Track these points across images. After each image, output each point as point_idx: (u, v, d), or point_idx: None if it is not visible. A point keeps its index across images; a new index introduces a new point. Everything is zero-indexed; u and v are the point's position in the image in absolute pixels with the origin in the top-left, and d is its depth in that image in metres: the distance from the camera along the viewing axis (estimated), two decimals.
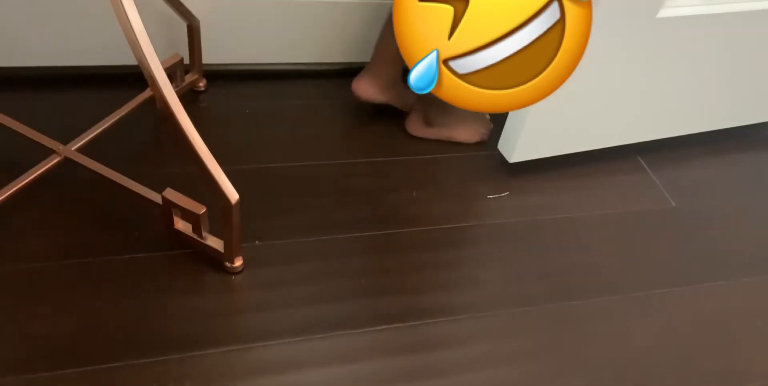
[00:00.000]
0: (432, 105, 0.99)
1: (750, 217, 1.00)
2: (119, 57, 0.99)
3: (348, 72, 1.13)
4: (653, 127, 1.02)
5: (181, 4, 0.91)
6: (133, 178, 0.80)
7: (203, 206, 0.73)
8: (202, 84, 1.04)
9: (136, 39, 0.62)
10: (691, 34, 0.87)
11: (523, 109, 0.87)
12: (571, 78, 0.82)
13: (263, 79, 1.09)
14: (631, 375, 0.75)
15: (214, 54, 1.05)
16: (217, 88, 1.05)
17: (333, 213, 0.88)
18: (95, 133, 0.85)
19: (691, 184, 1.03)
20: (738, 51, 0.94)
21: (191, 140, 0.67)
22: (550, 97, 0.83)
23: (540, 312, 0.80)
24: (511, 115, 0.92)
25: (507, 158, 0.96)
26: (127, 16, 0.61)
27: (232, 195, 0.70)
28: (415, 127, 1.03)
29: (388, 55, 0.96)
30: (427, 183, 0.96)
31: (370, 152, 0.99)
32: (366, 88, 1.00)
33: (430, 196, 0.93)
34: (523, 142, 0.92)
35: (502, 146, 0.97)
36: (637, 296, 0.84)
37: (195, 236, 0.76)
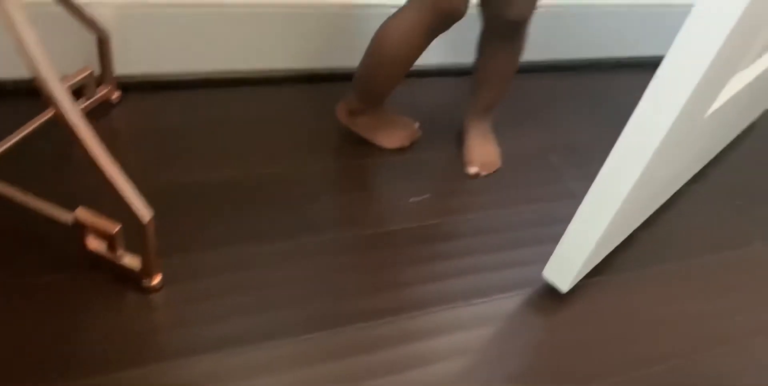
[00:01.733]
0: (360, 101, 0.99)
1: (672, 209, 1.05)
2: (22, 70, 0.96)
3: (265, 81, 1.13)
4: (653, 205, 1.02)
5: (89, 17, 0.89)
6: (44, 197, 0.77)
7: (117, 224, 0.71)
8: (115, 96, 1.02)
9: (29, 54, 0.60)
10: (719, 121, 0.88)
11: (584, 247, 0.79)
12: (634, 201, 0.74)
13: (179, 89, 1.07)
14: (553, 367, 0.78)
15: (127, 65, 1.03)
16: (132, 100, 1.03)
17: (253, 224, 0.88)
18: (1, 150, 0.82)
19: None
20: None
21: (98, 159, 0.65)
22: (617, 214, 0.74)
23: (467, 307, 0.82)
24: (565, 249, 0.82)
25: (560, 289, 0.86)
26: (17, 29, 0.59)
27: (144, 214, 0.69)
28: (343, 113, 1.03)
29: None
30: (350, 189, 0.97)
31: (288, 160, 0.99)
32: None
33: (350, 202, 0.94)
34: (578, 272, 0.84)
35: (551, 274, 0.86)
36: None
37: (110, 255, 0.75)
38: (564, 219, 0.80)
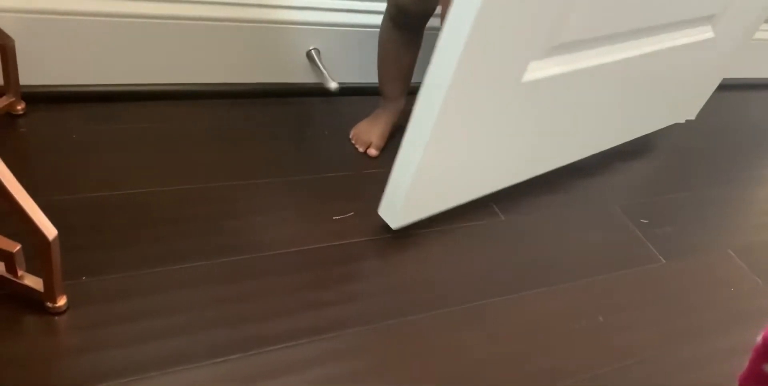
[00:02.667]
0: None
1: (565, 228, 1.09)
2: None
3: (183, 94, 1.11)
4: (509, 175, 1.08)
5: None
6: None
7: (17, 243, 0.67)
8: (20, 107, 0.96)
9: None
10: (548, 93, 0.93)
11: (407, 178, 0.87)
12: (453, 142, 0.86)
13: (89, 100, 1.03)
14: (465, 383, 0.79)
15: (33, 75, 0.98)
16: (39, 111, 0.98)
17: (168, 243, 0.85)
18: None
19: (517, 201, 1.11)
20: (579, 101, 1.03)
21: None
22: (433, 161, 0.85)
23: (379, 329, 0.82)
24: (391, 183, 0.91)
25: (390, 225, 0.95)
26: None
27: (49, 230, 0.65)
28: None
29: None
30: (269, 207, 0.95)
31: (208, 177, 0.97)
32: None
33: (271, 221, 0.93)
34: (406, 208, 0.92)
35: (384, 213, 0.95)
36: (468, 307, 0.89)
37: (10, 276, 0.70)
38: None
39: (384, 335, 0.82)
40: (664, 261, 1.07)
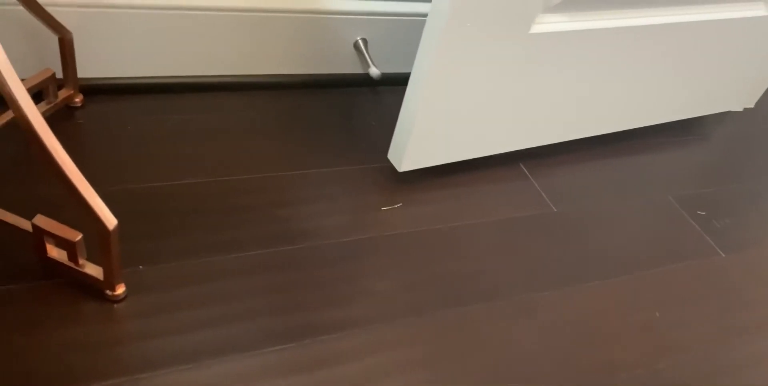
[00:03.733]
0: None
1: (619, 220, 1.07)
2: None
3: (235, 86, 1.12)
4: (532, 135, 1.07)
5: (51, 17, 0.86)
6: (1, 204, 0.74)
7: (79, 232, 0.69)
8: (78, 99, 0.99)
9: None
10: (561, 49, 0.92)
11: (410, 120, 0.89)
12: (455, 88, 0.86)
13: (145, 92, 1.05)
14: (517, 376, 0.78)
15: (90, 68, 1.00)
16: (96, 103, 1.00)
17: (221, 233, 0.86)
18: None
19: (569, 189, 1.09)
20: (606, 65, 1.01)
21: (61, 164, 0.63)
22: (436, 106, 0.87)
23: (431, 320, 0.82)
24: (398, 126, 0.94)
25: (396, 167, 0.97)
26: None
27: (110, 220, 0.66)
28: None
29: None
30: (319, 197, 0.96)
31: (259, 167, 0.97)
32: None
33: (322, 210, 0.93)
34: (411, 151, 0.95)
35: (392, 156, 0.98)
36: (520, 299, 0.88)
37: (71, 264, 0.72)
38: None
39: (435, 325, 0.81)
40: (723, 254, 1.03)
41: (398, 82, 1.25)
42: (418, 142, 0.93)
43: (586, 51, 0.94)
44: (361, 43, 1.17)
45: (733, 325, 0.92)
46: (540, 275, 0.92)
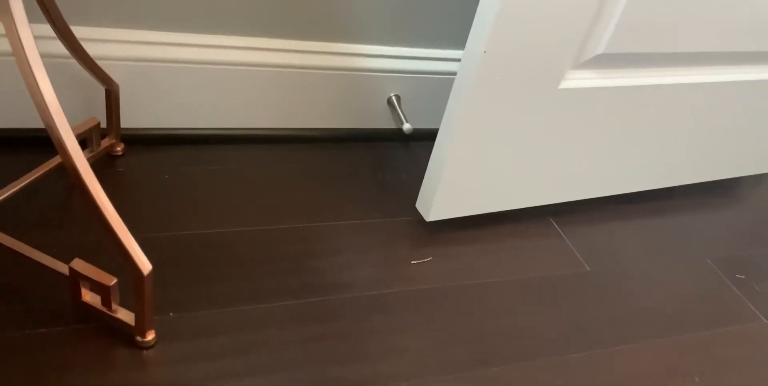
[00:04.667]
0: None
1: (655, 281, 1.04)
2: (26, 120, 0.96)
3: (272, 139, 1.14)
4: (562, 190, 1.07)
5: (100, 69, 0.90)
6: (39, 247, 0.75)
7: (113, 277, 0.69)
8: (119, 148, 1.01)
9: (45, 103, 0.60)
10: (590, 105, 0.93)
11: (438, 171, 0.91)
12: (483, 140, 0.87)
13: (184, 143, 1.07)
14: None
15: (132, 118, 1.03)
16: (136, 152, 1.03)
17: (253, 282, 0.85)
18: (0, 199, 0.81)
19: (603, 248, 1.07)
20: (638, 122, 1.01)
21: (102, 208, 0.64)
22: (464, 158, 0.88)
23: (462, 379, 0.79)
24: (426, 176, 0.94)
25: (424, 217, 0.98)
26: (35, 81, 0.60)
27: (145, 265, 0.67)
28: None
29: None
30: (351, 249, 0.95)
31: (292, 218, 0.98)
32: None
33: (353, 262, 0.93)
34: (439, 202, 0.95)
35: (420, 206, 0.99)
36: (553, 361, 0.85)
37: (104, 309, 0.72)
38: None
39: (465, 385, 0.79)
40: (765, 320, 1.00)
41: (429, 138, 1.26)
42: (446, 192, 0.94)
43: (617, 107, 0.95)
44: (394, 99, 1.19)
45: None
46: (573, 336, 0.90)
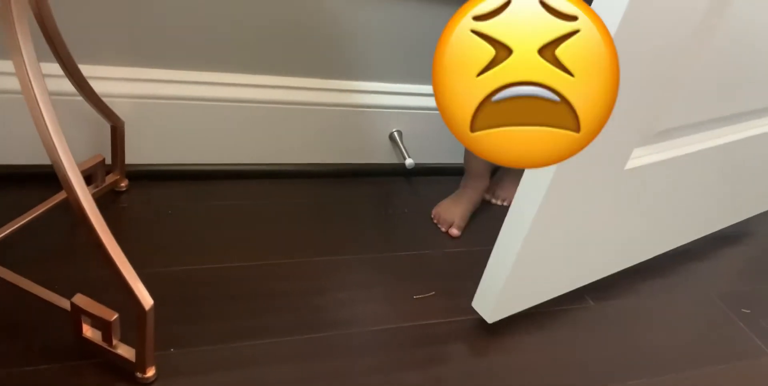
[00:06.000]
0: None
1: (662, 317, 1.03)
2: (30, 156, 0.97)
3: (275, 174, 1.15)
4: (607, 266, 1.05)
5: (106, 106, 0.91)
6: (41, 283, 0.75)
7: (115, 312, 0.69)
8: (123, 184, 1.02)
9: (51, 139, 0.61)
10: (650, 180, 0.91)
11: (500, 272, 0.85)
12: (548, 237, 0.84)
13: (187, 178, 1.08)
14: None
15: (137, 154, 1.04)
16: (140, 188, 1.04)
17: (255, 318, 0.85)
18: (2, 235, 0.81)
19: (609, 287, 1.06)
20: (688, 186, 1.00)
21: (105, 244, 0.65)
22: (533, 252, 0.84)
23: None
24: (486, 277, 0.89)
25: (486, 319, 0.91)
26: (43, 118, 0.61)
27: (147, 300, 0.67)
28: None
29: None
30: (352, 284, 0.95)
31: (294, 253, 0.98)
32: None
33: (355, 298, 0.92)
34: (500, 302, 0.90)
35: (478, 305, 0.92)
36: None
37: (105, 345, 0.72)
38: None
39: None
40: None
41: (431, 173, 1.27)
42: (509, 292, 0.88)
43: (670, 178, 0.94)
44: (396, 134, 1.21)
45: None
46: (582, 373, 0.88)
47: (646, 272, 1.10)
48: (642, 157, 0.85)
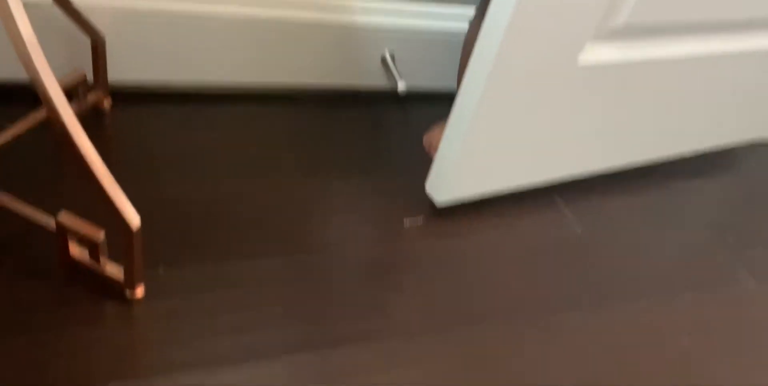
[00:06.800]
0: None
1: (648, 246, 1.04)
2: (9, 71, 0.93)
3: (263, 96, 1.12)
4: (570, 166, 1.05)
5: (85, 19, 0.87)
6: (26, 201, 0.74)
7: (101, 231, 0.68)
8: (106, 103, 0.99)
9: (28, 53, 0.58)
10: (607, 81, 0.90)
11: (450, 153, 0.88)
12: (497, 122, 0.85)
13: (173, 98, 1.05)
14: None
15: (120, 72, 1.01)
16: (124, 108, 1.01)
17: (244, 240, 0.85)
18: None
19: (597, 213, 1.07)
20: (654, 95, 0.99)
21: (89, 162, 0.63)
22: (479, 138, 0.86)
23: (452, 338, 0.80)
24: (437, 159, 0.92)
25: (436, 201, 0.95)
26: (17, 27, 0.57)
27: (133, 219, 0.66)
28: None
29: None
30: (342, 210, 0.95)
31: (283, 178, 0.97)
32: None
33: (344, 223, 0.92)
34: (451, 185, 0.92)
35: (431, 189, 0.96)
36: (545, 322, 0.86)
37: (92, 263, 0.71)
38: None
39: (455, 344, 0.80)
40: (755, 283, 1.00)
41: (424, 98, 1.24)
42: (461, 174, 0.91)
43: (636, 82, 0.92)
44: (388, 57, 1.17)
45: (764, 358, 0.89)
46: (562, 297, 0.90)
47: (626, 193, 1.11)
48: (599, 55, 0.83)
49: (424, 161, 1.09)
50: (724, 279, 1.00)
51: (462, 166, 0.89)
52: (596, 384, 0.79)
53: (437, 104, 1.22)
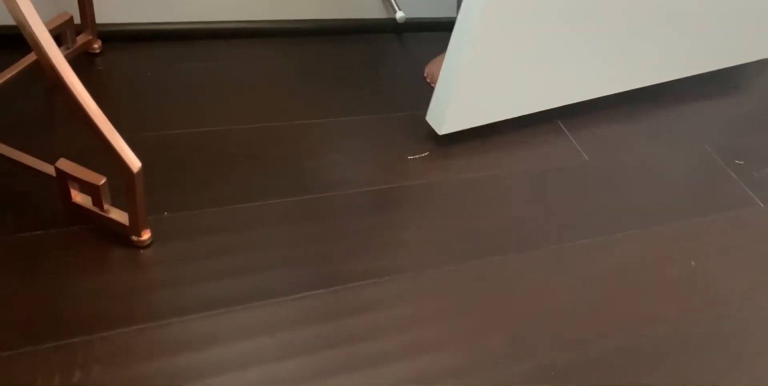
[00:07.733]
0: None
1: (655, 170, 1.03)
2: None
3: (258, 32, 1.08)
4: (571, 91, 1.03)
5: None
6: (24, 149, 0.73)
7: (102, 176, 0.67)
8: (96, 45, 0.96)
9: None
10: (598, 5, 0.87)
11: (450, 80, 0.86)
12: (496, 48, 0.82)
13: (165, 39, 1.02)
14: (551, 326, 0.77)
15: (108, 13, 0.97)
16: (115, 50, 0.98)
17: (246, 181, 0.84)
18: None
19: (604, 141, 1.05)
20: (646, 14, 0.95)
21: (85, 106, 0.61)
22: (478, 67, 0.84)
23: (463, 269, 0.80)
24: (437, 88, 0.90)
25: (437, 131, 0.94)
26: None
27: (134, 163, 0.65)
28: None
29: None
30: (345, 146, 0.93)
31: (283, 116, 0.95)
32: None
33: (348, 159, 0.91)
34: (451, 114, 0.91)
35: (431, 119, 0.95)
36: (554, 249, 0.86)
37: (96, 209, 0.71)
38: None
39: (467, 275, 0.80)
40: (762, 205, 1.00)
41: (423, 28, 1.20)
42: (460, 103, 0.89)
43: (626, 4, 0.89)
44: None
45: None
46: (571, 226, 0.90)
47: (633, 121, 1.09)
48: None
49: (425, 92, 1.06)
50: (732, 202, 0.99)
51: (462, 95, 0.88)
52: (603, 306, 0.80)
53: (437, 34, 1.19)
